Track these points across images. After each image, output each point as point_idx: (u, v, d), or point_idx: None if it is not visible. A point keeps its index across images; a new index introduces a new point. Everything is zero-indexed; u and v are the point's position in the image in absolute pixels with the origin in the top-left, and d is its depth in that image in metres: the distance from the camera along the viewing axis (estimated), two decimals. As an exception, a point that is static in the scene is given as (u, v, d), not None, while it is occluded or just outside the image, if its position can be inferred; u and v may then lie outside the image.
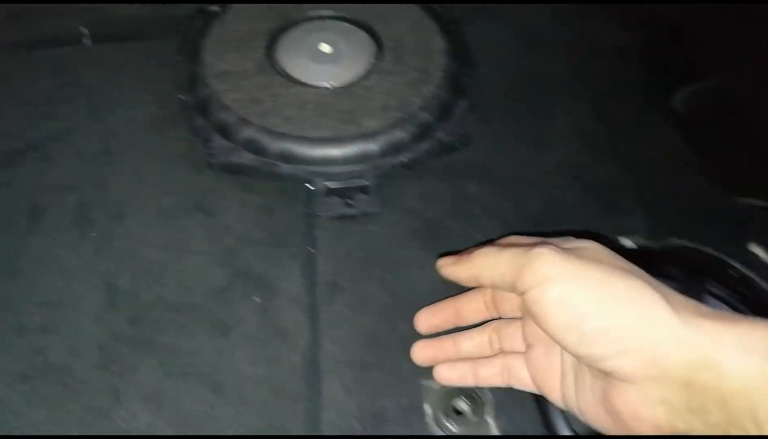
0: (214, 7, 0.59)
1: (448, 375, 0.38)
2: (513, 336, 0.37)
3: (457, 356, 0.39)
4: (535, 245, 0.32)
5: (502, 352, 0.38)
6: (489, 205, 0.50)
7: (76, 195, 0.51)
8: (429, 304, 0.41)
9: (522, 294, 0.31)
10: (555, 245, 0.32)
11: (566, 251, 0.31)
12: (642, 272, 0.31)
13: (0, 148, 0.54)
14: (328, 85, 0.53)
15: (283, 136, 0.48)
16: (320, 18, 0.58)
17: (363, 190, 0.47)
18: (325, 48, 0.55)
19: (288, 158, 0.48)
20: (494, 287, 0.36)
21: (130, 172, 0.52)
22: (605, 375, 0.29)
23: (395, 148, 0.49)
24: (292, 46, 0.55)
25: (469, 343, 0.39)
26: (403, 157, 0.49)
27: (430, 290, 0.43)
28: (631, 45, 0.65)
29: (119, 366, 0.42)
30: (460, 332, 0.40)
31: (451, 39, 0.56)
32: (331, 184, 0.48)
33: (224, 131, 0.50)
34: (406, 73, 0.52)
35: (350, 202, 0.47)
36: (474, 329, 0.39)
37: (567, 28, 0.65)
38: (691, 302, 0.29)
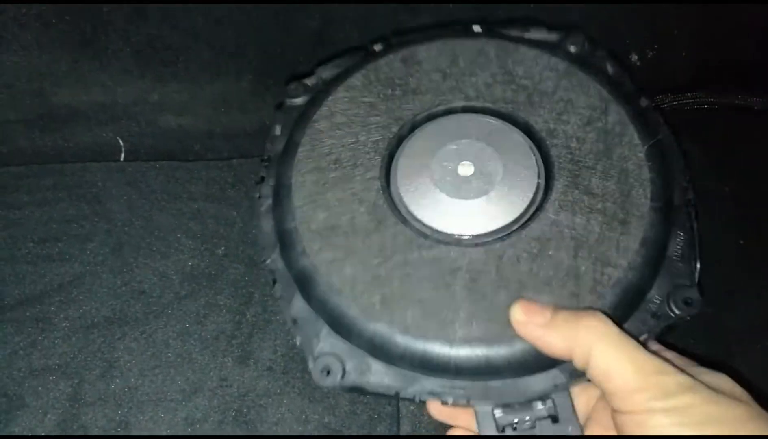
0: (275, 131, 0.39)
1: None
2: None
3: None
4: (664, 363, 0.26)
5: None
6: None
7: (69, 382, 0.36)
8: None
9: (619, 412, 0.26)
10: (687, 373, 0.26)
11: (701, 384, 0.26)
12: None
13: (-16, 299, 0.40)
14: (474, 235, 0.34)
15: (420, 338, 0.31)
16: (450, 112, 0.38)
17: (553, 417, 0.30)
18: (466, 169, 0.36)
19: (429, 367, 0.31)
20: (583, 368, 0.28)
21: (148, 354, 0.38)
22: None
23: None
24: (417, 168, 0.36)
25: None
26: None
27: None
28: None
29: None
30: None
31: (651, 138, 0.36)
32: (501, 413, 0.30)
33: (341, 327, 0.32)
34: (596, 208, 0.34)
35: (536, 427, 0.29)
36: None
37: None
38: None
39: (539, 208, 0.34)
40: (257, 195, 0.37)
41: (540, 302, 0.30)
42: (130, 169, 0.49)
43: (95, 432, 0.34)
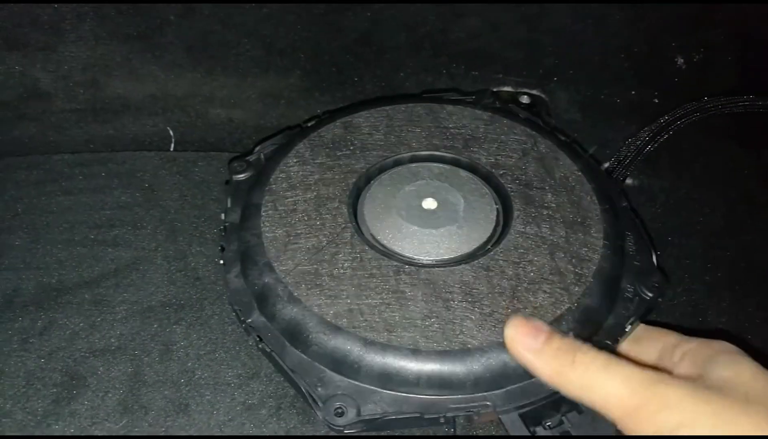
0: (227, 203, 0.40)
1: None
2: None
3: None
4: (659, 373, 0.26)
5: None
6: None
7: (129, 364, 0.37)
8: None
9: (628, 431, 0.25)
10: (688, 377, 0.27)
11: (705, 389, 0.25)
12: None
13: (40, 280, 0.41)
14: (457, 256, 0.36)
15: (433, 359, 0.31)
16: (399, 162, 0.41)
17: (577, 409, 0.31)
18: (430, 204, 0.39)
19: (448, 386, 0.31)
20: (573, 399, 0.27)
21: (204, 339, 0.38)
22: None
23: (585, 323, 0.33)
24: (384, 208, 0.38)
25: None
26: (601, 339, 0.33)
27: None
28: None
29: None
30: None
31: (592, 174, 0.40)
32: (527, 416, 0.31)
33: (346, 366, 0.32)
34: (555, 217, 0.37)
35: (563, 422, 0.31)
36: None
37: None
38: None
39: (507, 226, 0.37)
40: (221, 261, 0.37)
41: (535, 321, 0.29)
42: (181, 159, 0.50)
43: (155, 412, 0.35)
